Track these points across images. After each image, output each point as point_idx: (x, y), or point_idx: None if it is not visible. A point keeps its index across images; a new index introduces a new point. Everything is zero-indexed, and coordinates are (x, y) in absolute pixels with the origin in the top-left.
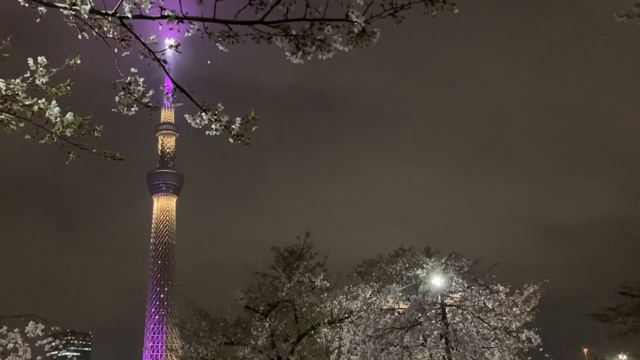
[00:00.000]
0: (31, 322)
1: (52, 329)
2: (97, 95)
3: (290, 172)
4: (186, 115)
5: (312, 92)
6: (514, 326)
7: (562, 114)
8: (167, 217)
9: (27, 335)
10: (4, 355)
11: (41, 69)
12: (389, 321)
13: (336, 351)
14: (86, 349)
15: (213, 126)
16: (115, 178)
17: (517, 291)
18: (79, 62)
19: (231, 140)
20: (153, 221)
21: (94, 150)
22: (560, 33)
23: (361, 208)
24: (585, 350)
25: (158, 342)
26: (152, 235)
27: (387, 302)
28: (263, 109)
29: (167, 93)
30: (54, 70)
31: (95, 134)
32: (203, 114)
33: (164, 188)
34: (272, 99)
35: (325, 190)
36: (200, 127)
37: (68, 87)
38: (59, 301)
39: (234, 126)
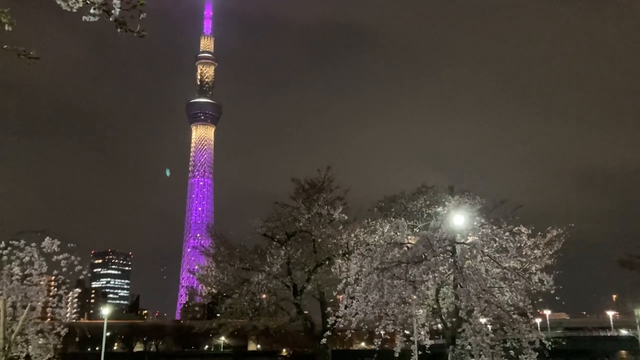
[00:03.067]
0: (47, 237)
1: (70, 245)
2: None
3: (327, 110)
4: None
5: (344, 27)
6: (533, 268)
7: (603, 60)
8: (205, 147)
9: (44, 250)
10: (22, 268)
11: None
12: (397, 255)
13: (344, 281)
14: (126, 268)
15: (92, 10)
16: (155, 107)
17: (539, 233)
18: None
19: (119, 30)
20: (191, 150)
21: (5, 47)
22: None
23: (392, 148)
24: (615, 297)
25: (194, 267)
26: (190, 163)
27: (397, 235)
28: (294, 44)
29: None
30: None
31: (7, 28)
32: None
33: (202, 117)
34: (304, 34)
35: (357, 129)
36: (75, 10)
37: None
38: (101, 223)
39: (113, 11)
